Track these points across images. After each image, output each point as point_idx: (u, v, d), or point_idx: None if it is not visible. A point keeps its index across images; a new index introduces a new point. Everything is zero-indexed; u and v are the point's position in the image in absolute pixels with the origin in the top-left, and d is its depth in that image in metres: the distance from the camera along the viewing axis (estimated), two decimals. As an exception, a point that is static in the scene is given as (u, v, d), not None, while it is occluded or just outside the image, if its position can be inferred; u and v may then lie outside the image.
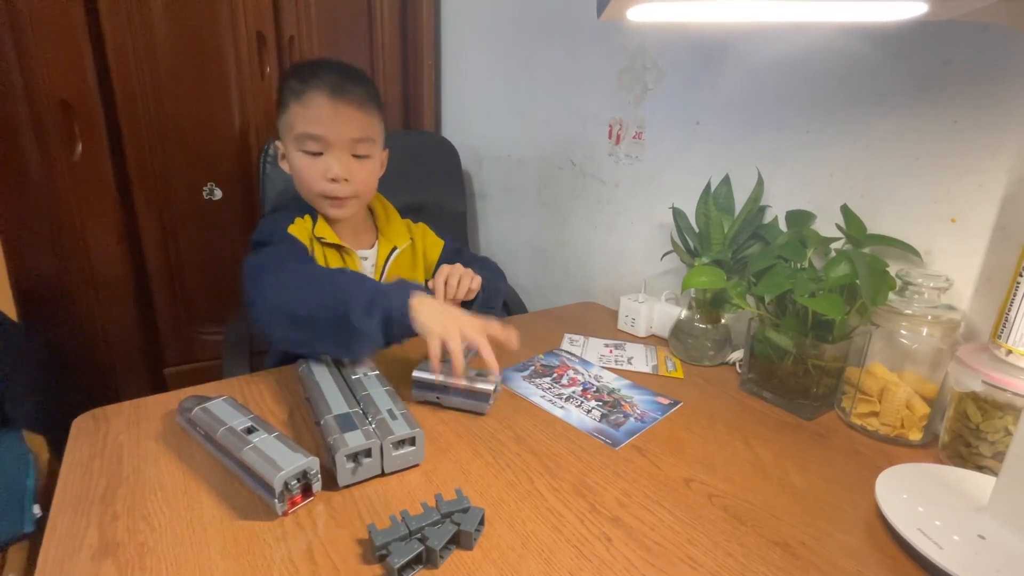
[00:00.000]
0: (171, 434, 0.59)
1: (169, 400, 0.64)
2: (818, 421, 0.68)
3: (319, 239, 0.80)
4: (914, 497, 0.50)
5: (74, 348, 1.20)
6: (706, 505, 0.52)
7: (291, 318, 0.63)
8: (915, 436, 0.63)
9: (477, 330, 0.62)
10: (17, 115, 1.05)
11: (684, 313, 0.86)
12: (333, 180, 0.76)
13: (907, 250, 0.66)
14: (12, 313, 1.00)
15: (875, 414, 0.65)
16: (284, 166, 0.82)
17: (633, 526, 0.49)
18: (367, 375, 0.63)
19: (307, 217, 0.82)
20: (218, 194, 1.29)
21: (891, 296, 0.64)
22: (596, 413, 0.68)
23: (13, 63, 1.02)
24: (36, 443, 0.97)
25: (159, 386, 1.33)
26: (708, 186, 0.81)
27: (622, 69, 1.01)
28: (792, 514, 0.51)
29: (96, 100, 1.11)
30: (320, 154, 0.75)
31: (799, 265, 0.69)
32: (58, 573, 0.41)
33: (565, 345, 0.87)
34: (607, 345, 0.89)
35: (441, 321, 0.61)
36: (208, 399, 0.58)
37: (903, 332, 0.63)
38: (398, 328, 0.62)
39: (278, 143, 0.81)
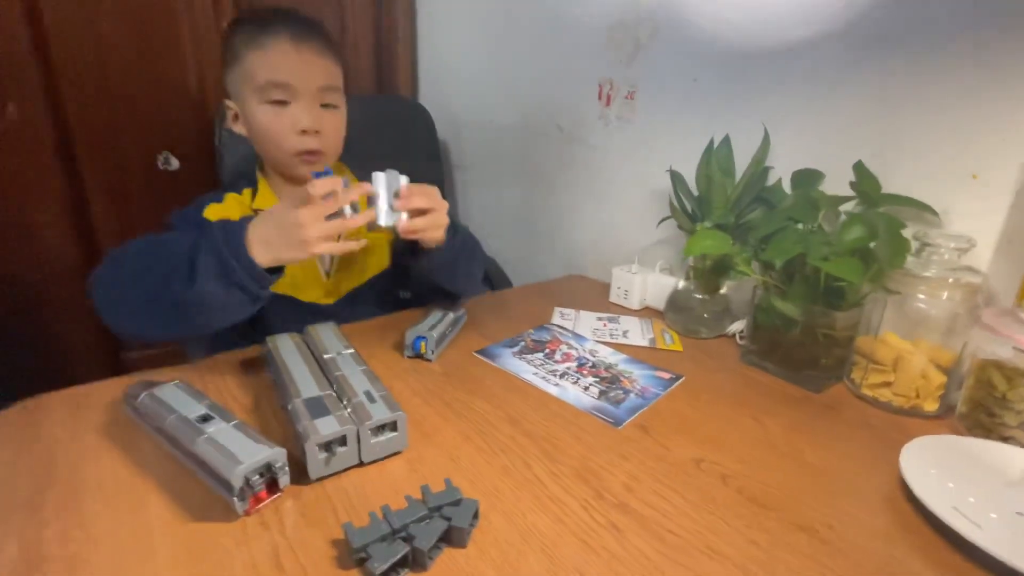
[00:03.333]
0: (116, 426, 0.51)
1: (115, 387, 0.57)
2: (826, 393, 0.64)
3: (257, 212, 0.71)
4: (942, 472, 0.47)
5: (18, 332, 1.10)
6: (720, 487, 0.47)
7: (122, 308, 0.56)
8: (931, 407, 0.59)
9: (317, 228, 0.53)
10: (-67, 71, 0.93)
11: (681, 283, 0.81)
12: (303, 133, 0.68)
13: (923, 209, 0.62)
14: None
15: (888, 384, 0.61)
16: (238, 128, 0.73)
17: (644, 513, 0.44)
18: (341, 354, 0.56)
19: (245, 192, 0.74)
20: (175, 163, 1.18)
21: (907, 259, 0.60)
22: (594, 390, 0.63)
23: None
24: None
25: (118, 372, 1.23)
26: (711, 144, 0.76)
27: (612, 24, 0.94)
28: (811, 494, 0.47)
29: (25, 52, 0.98)
30: (285, 104, 0.68)
31: (810, 228, 0.65)
32: (-34, 596, 0.34)
33: (556, 319, 0.82)
34: (600, 319, 0.83)
35: (283, 238, 0.53)
36: (158, 384, 0.51)
37: (920, 296, 0.59)
38: (242, 271, 0.52)
39: (229, 103, 0.72)
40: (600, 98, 0.99)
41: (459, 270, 0.73)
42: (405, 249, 0.70)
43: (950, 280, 0.57)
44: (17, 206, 1.04)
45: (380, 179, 0.60)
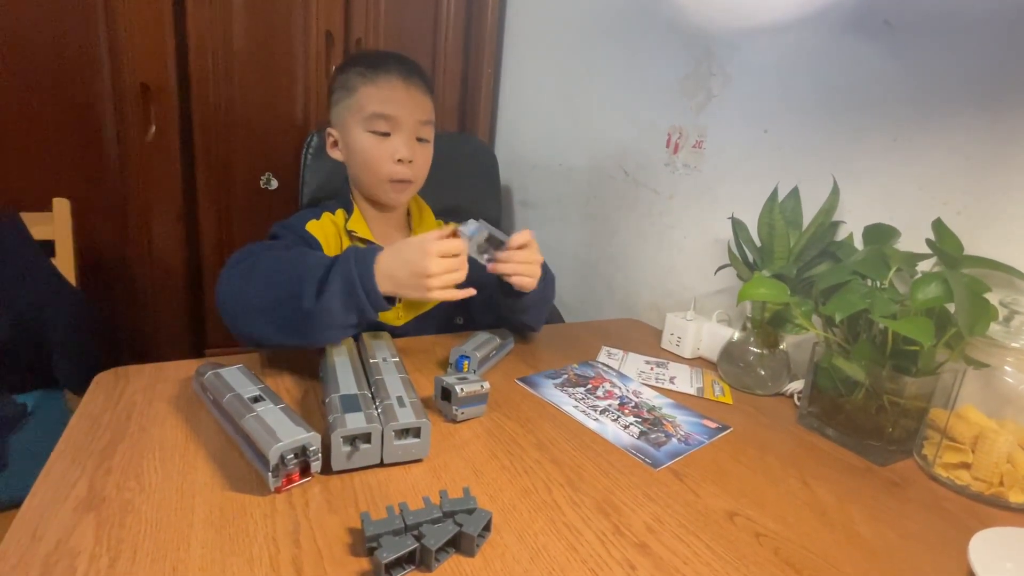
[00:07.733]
0: (184, 399, 0.57)
1: (189, 367, 0.63)
2: (892, 468, 0.59)
3: (351, 233, 0.79)
4: (1020, 568, 0.41)
5: (125, 318, 1.25)
6: (752, 544, 0.44)
7: (246, 309, 0.59)
8: (1017, 498, 0.52)
9: (438, 261, 0.58)
10: (101, 93, 1.12)
11: (737, 335, 0.78)
12: (399, 162, 0.75)
13: (1013, 274, 0.57)
14: (72, 278, 1.04)
15: (966, 466, 0.54)
16: (336, 154, 0.81)
17: (662, 556, 0.42)
18: (386, 360, 0.59)
19: (339, 212, 0.80)
20: (274, 184, 1.32)
21: (993, 327, 0.54)
22: (634, 429, 0.61)
23: (103, 44, 1.09)
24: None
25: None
26: (775, 193, 0.74)
27: (686, 75, 0.96)
28: (859, 569, 0.43)
29: (173, 85, 1.17)
30: (387, 136, 0.76)
31: (878, 284, 0.61)
32: (37, 520, 0.39)
33: (602, 357, 0.81)
34: (648, 362, 0.82)
35: (409, 280, 0.58)
36: (224, 366, 0.56)
37: (1007, 370, 0.53)
38: (365, 297, 0.56)
39: (331, 131, 0.81)
40: (668, 145, 1.00)
41: (543, 307, 0.80)
42: (499, 288, 0.75)
43: (1043, 353, 0.51)
44: (145, 218, 1.21)
45: (474, 234, 0.65)
